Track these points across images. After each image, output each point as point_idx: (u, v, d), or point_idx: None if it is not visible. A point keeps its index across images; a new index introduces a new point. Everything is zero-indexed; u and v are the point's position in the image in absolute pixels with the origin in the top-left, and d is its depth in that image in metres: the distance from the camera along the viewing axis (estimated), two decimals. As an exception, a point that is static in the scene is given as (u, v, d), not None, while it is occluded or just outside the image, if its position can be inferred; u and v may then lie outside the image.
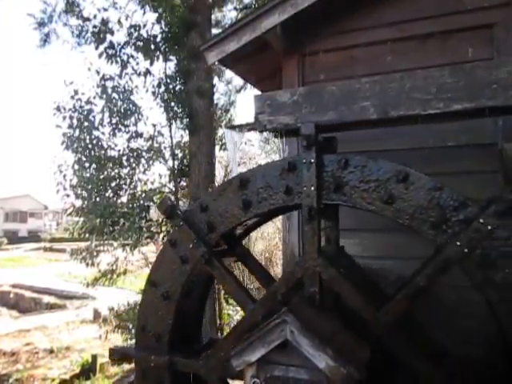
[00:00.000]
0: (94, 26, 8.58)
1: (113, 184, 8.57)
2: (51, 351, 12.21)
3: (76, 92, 8.61)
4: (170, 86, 8.89)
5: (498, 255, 2.07)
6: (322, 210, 2.51)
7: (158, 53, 8.69)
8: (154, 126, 8.98)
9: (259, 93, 5.68)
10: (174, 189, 9.19)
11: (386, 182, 2.30)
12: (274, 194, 2.56)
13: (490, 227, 2.08)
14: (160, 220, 9.06)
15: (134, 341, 3.12)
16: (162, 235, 8.80)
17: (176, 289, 2.82)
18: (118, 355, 3.12)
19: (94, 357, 10.33)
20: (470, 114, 2.46)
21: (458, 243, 2.13)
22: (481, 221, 2.09)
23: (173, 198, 9.30)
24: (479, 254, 2.11)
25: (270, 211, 2.66)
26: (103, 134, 8.62)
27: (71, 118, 8.53)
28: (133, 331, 8.26)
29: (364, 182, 2.35)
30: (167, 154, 9.14)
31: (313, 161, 2.44)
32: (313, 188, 2.43)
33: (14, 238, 48.07)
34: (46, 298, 19.35)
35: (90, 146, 8.46)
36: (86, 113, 8.55)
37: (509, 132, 3.30)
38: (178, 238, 2.82)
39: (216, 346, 2.82)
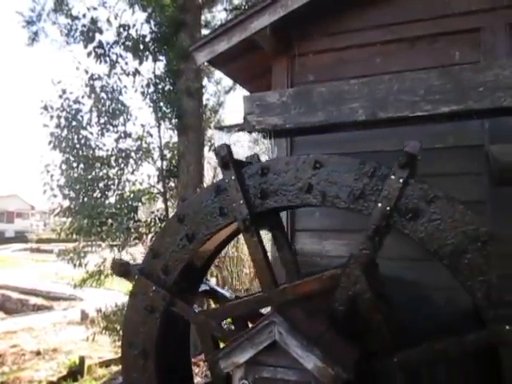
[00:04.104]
0: (83, 25, 8.49)
1: (101, 184, 8.48)
2: (38, 353, 12.03)
3: (64, 91, 8.50)
4: (159, 86, 8.84)
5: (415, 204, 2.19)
6: (257, 219, 2.63)
7: (147, 53, 8.63)
8: (143, 126, 8.92)
9: (248, 93, 5.67)
10: (162, 189, 9.14)
11: (303, 174, 2.42)
12: (211, 219, 2.66)
13: (401, 180, 2.19)
14: (148, 221, 9.01)
15: (120, 342, 3.07)
16: (150, 236, 8.74)
17: (151, 342, 2.79)
18: None
19: (82, 358, 10.18)
20: (457, 116, 2.49)
21: (380, 205, 2.21)
22: (392, 177, 2.21)
23: (161, 198, 9.25)
24: (402, 208, 2.20)
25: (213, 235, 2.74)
26: (91, 133, 8.53)
27: (59, 117, 8.41)
28: (121, 333, 8.18)
29: (284, 180, 2.48)
30: (156, 154, 9.08)
31: (233, 177, 2.56)
32: (241, 202, 2.53)
33: (0, 239, 47.43)
34: (33, 299, 19.08)
35: (77, 145, 8.36)
36: (74, 112, 8.45)
37: (495, 134, 3.33)
38: (138, 290, 2.85)
39: None
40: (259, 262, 2.64)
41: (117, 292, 13.76)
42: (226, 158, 2.60)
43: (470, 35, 3.58)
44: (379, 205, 2.21)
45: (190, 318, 2.81)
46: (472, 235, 2.09)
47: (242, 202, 2.53)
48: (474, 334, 2.09)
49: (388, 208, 2.20)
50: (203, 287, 3.37)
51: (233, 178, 2.56)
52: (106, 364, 10.40)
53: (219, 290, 3.57)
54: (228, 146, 2.64)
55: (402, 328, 2.50)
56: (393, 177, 2.20)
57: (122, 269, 2.92)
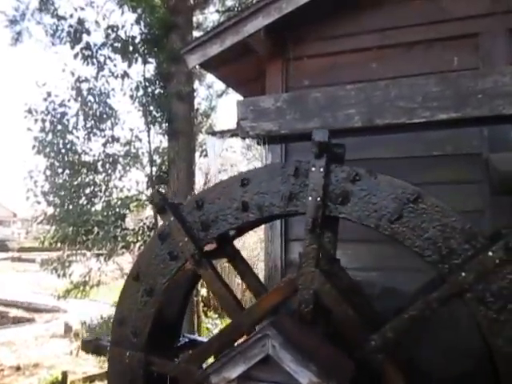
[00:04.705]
0: (70, 26, 8.51)
1: (87, 191, 8.46)
2: (18, 368, 11.87)
3: (49, 94, 8.51)
4: (149, 90, 8.85)
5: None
6: (207, 255, 2.78)
7: (136, 55, 8.65)
8: (132, 130, 8.93)
9: (241, 98, 5.69)
10: (151, 196, 9.10)
11: (235, 195, 2.60)
12: (164, 266, 2.78)
13: (322, 169, 2.38)
14: (136, 229, 8.97)
15: (107, 357, 3.07)
16: (138, 245, 8.70)
17: None
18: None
19: (65, 374, 10.04)
20: (455, 124, 2.52)
21: (310, 198, 2.38)
22: (313, 169, 2.39)
23: (150, 206, 9.21)
24: (332, 195, 2.38)
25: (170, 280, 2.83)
26: (77, 138, 8.53)
27: (43, 121, 8.41)
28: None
29: (219, 206, 2.65)
30: (145, 159, 9.08)
31: (172, 219, 2.72)
32: (186, 239, 2.67)
33: (-21, 248, 46.86)
34: (14, 311, 18.85)
35: (63, 150, 8.35)
36: (59, 116, 8.45)
37: (494, 142, 3.37)
38: (114, 362, 2.89)
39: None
40: (219, 292, 2.75)
41: (102, 303, 13.65)
42: (160, 202, 2.75)
43: (469, 40, 3.63)
44: (310, 198, 2.35)
45: (171, 371, 2.84)
46: (403, 198, 2.23)
47: (186, 239, 2.65)
48: (436, 291, 2.17)
49: (318, 198, 2.34)
50: (182, 340, 3.40)
51: (172, 219, 2.70)
52: (90, 379, 10.30)
53: (199, 338, 3.64)
54: (160, 192, 2.87)
55: (379, 317, 2.54)
56: (313, 169, 2.37)
57: (92, 345, 2.97)
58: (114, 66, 8.71)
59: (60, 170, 8.40)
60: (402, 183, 2.27)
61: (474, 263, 2.08)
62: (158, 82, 8.97)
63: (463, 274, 2.08)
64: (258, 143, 3.03)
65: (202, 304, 10.37)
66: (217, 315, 12.37)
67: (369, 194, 2.30)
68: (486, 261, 2.06)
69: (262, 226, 4.16)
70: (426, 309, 2.18)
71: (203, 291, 11.47)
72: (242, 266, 3.26)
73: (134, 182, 9.11)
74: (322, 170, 2.35)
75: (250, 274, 3.27)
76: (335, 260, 2.64)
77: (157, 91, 8.95)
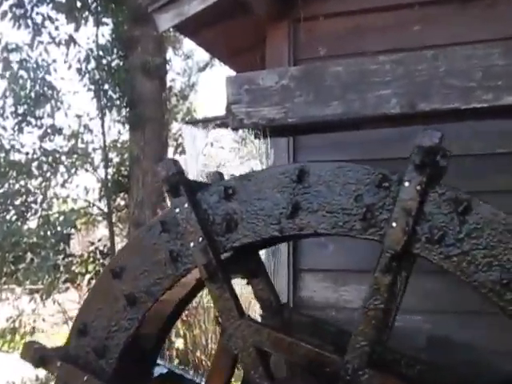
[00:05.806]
0: (-5, -26, 8.58)
1: (17, 202, 8.47)
2: None
3: (-34, 68, 8.56)
4: (104, 61, 8.90)
5: None
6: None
7: (86, 13, 8.70)
8: (79, 117, 8.97)
9: (233, 73, 5.71)
10: (106, 209, 9.11)
11: (115, 294, 2.69)
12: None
13: (188, 206, 2.50)
14: (85, 256, 8.96)
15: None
16: (87, 277, 8.69)
17: None
18: None
19: None
20: (528, 110, 2.54)
21: (192, 243, 2.51)
22: (181, 210, 2.53)
23: (105, 222, 9.22)
24: (216, 227, 2.52)
25: None
26: (4, 129, 8.57)
27: (-42, 105, 8.46)
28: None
29: (105, 319, 2.75)
30: (97, 158, 9.11)
31: (59, 364, 2.79)
32: (85, 378, 2.71)
33: None
34: None
35: (-16, 146, 8.38)
36: (-21, 98, 8.49)
37: None
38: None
39: None
40: None
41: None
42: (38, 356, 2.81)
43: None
44: (191, 244, 2.46)
45: None
46: (288, 183, 2.33)
47: (85, 378, 2.71)
48: (379, 263, 2.22)
49: (200, 239, 2.44)
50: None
51: (59, 365, 2.78)
52: None
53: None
54: (33, 342, 3.00)
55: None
56: (178, 210, 2.49)
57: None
58: (56, 29, 8.80)
59: (-20, 174, 8.42)
60: (281, 167, 2.46)
61: (398, 207, 2.12)
62: (115, 50, 9.02)
63: (394, 224, 2.12)
64: (257, 136, 3.05)
65: (176, 360, 10.35)
66: (196, 376, 12.34)
67: (252, 202, 2.42)
68: (408, 195, 2.10)
69: (263, 251, 4.17)
70: (380, 288, 2.21)
71: (179, 342, 11.45)
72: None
73: (81, 189, 9.15)
74: (186, 205, 2.47)
75: None
76: (281, 306, 2.86)
77: (114, 63, 9.01)
